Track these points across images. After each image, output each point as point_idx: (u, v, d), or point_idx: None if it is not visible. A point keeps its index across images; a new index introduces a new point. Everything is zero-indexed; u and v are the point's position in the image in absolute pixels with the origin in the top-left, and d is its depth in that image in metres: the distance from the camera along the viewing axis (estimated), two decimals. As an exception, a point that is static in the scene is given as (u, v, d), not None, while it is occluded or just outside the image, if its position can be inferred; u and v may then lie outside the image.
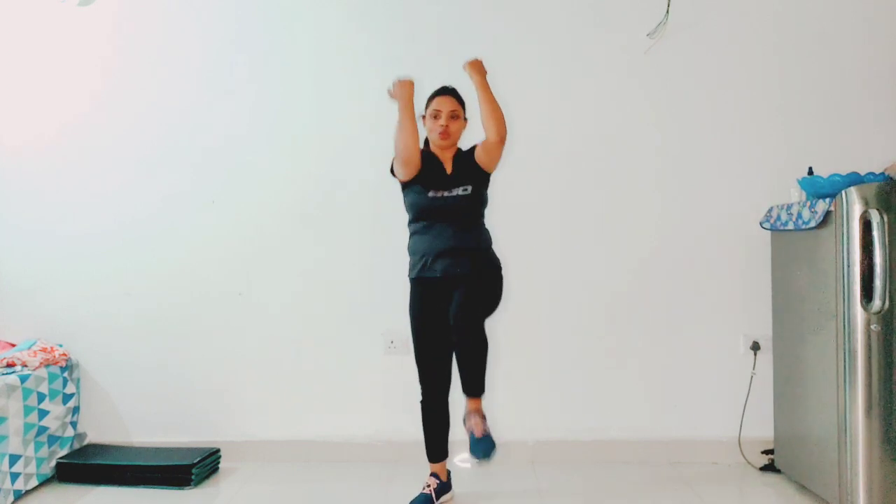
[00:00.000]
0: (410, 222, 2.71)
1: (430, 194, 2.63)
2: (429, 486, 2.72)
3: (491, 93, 2.60)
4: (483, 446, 2.52)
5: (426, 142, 2.76)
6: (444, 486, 2.77)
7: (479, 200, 2.68)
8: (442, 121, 2.63)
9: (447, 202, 2.62)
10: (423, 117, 2.71)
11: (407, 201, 2.69)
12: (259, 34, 3.35)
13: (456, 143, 2.72)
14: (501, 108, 2.60)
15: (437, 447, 2.75)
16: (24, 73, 3.40)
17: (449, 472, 2.82)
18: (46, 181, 3.38)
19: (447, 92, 2.67)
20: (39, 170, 3.39)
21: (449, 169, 2.68)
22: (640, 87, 3.25)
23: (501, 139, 2.59)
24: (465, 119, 2.72)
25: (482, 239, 2.69)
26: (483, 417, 2.59)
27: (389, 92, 2.67)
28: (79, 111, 3.38)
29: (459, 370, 2.60)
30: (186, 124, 3.35)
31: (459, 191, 2.63)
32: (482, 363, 2.59)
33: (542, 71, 3.27)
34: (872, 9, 3.20)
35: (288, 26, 3.34)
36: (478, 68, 2.64)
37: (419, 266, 2.65)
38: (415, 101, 2.64)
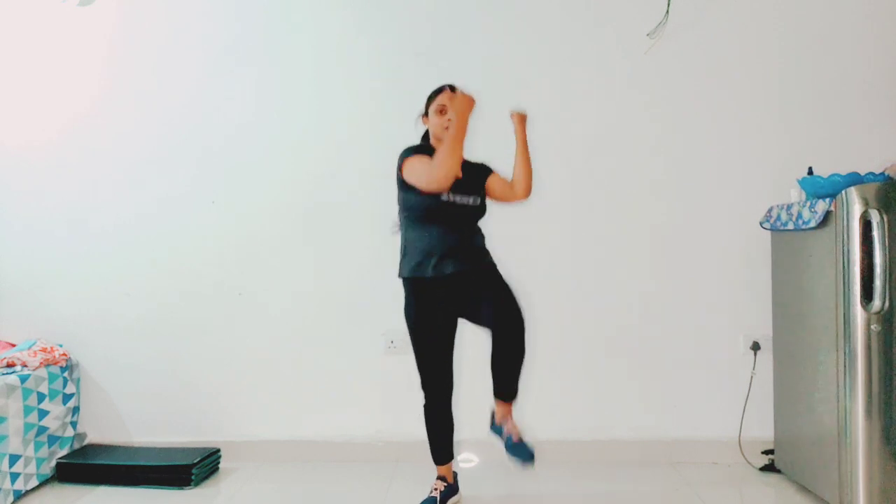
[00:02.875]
0: (408, 220, 2.64)
1: (443, 198, 2.56)
2: (436, 489, 2.70)
3: (528, 150, 2.69)
4: (527, 450, 2.53)
5: (425, 136, 2.74)
6: (451, 489, 2.75)
7: (483, 211, 2.71)
8: (449, 115, 2.56)
9: (457, 209, 2.58)
10: (424, 116, 2.70)
11: (410, 200, 2.59)
12: (259, 35, 3.35)
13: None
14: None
15: (442, 450, 2.73)
16: (25, 73, 3.40)
17: (455, 475, 2.81)
18: (46, 181, 3.39)
19: (451, 88, 2.64)
20: (39, 170, 3.39)
21: (459, 173, 2.58)
22: (640, 88, 3.25)
23: (527, 198, 2.70)
24: None
25: (481, 239, 2.71)
26: (515, 423, 2.65)
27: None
28: (79, 111, 3.38)
29: (494, 373, 2.58)
30: (187, 124, 3.36)
31: (470, 200, 2.62)
32: (520, 366, 2.59)
33: (541, 71, 3.27)
34: (872, 9, 3.20)
35: (288, 28, 3.35)
36: (524, 121, 2.71)
37: (418, 265, 2.56)
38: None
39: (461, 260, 2.57)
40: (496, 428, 2.66)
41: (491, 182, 2.73)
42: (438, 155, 2.43)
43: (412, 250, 2.61)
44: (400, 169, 2.58)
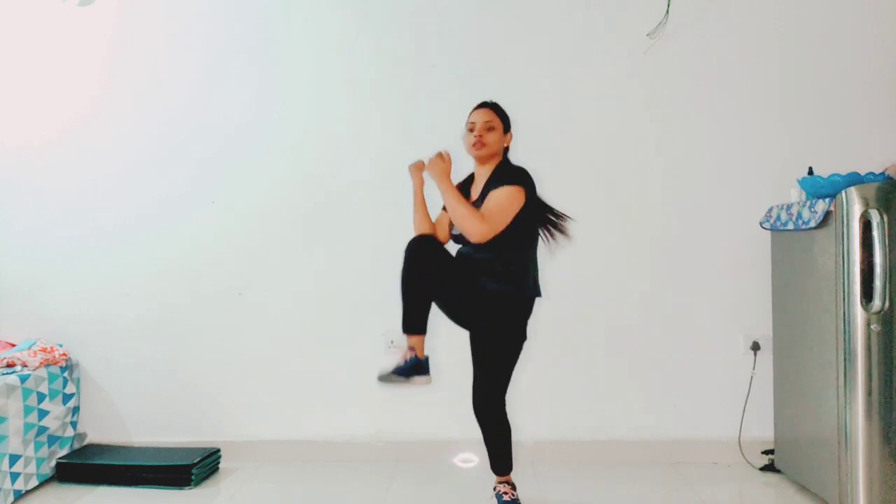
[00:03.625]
0: None
1: (454, 230, 2.65)
2: (404, 358, 2.55)
3: (449, 196, 2.50)
4: None
5: None
6: (420, 364, 2.56)
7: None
8: (476, 132, 2.58)
9: (461, 238, 2.60)
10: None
11: None
12: (259, 34, 3.35)
13: (495, 154, 2.61)
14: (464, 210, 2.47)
15: (413, 315, 2.51)
16: (25, 73, 3.40)
17: (427, 358, 2.58)
18: (46, 181, 3.39)
19: (484, 105, 2.64)
20: (39, 170, 3.39)
21: (475, 194, 2.62)
22: (640, 87, 3.25)
23: (481, 239, 2.46)
24: (508, 132, 2.63)
25: (505, 261, 2.53)
26: (513, 487, 2.66)
27: (412, 168, 2.71)
28: (79, 111, 3.38)
29: (486, 447, 2.65)
30: (186, 124, 3.36)
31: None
32: (506, 446, 2.64)
33: (541, 71, 3.27)
34: (872, 9, 3.20)
35: (288, 28, 3.35)
36: (430, 170, 2.60)
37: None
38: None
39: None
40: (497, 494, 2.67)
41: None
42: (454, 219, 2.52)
43: None
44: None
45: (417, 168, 2.71)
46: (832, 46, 3.20)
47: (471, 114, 2.65)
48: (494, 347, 2.57)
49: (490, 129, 2.58)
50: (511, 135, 2.67)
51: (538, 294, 2.61)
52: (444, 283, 2.52)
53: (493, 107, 2.64)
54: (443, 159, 2.59)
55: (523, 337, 2.58)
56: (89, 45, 3.39)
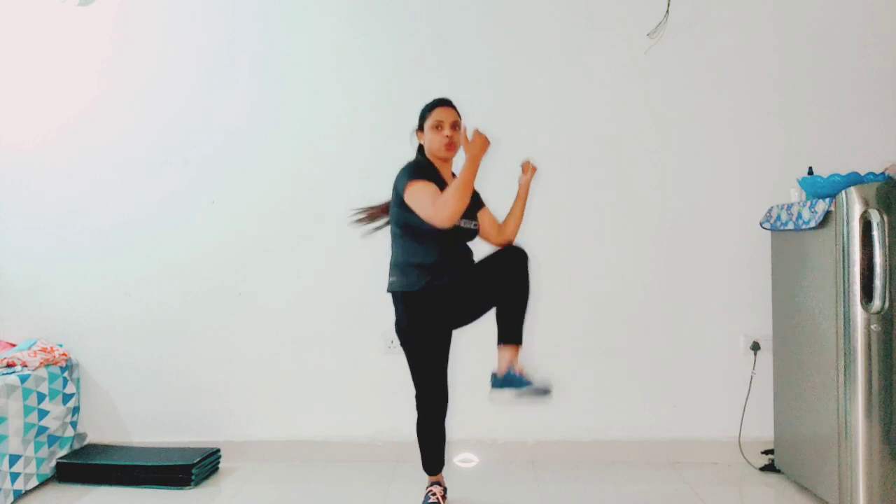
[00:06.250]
0: (403, 236, 2.57)
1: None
2: (434, 493, 2.66)
3: (470, 179, 2.42)
4: (524, 381, 2.50)
5: (419, 149, 2.68)
6: (445, 492, 2.73)
7: (477, 234, 2.71)
8: (446, 131, 2.54)
9: (460, 232, 2.58)
10: (419, 131, 2.64)
11: (411, 219, 2.50)
12: (258, 35, 3.35)
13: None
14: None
15: (437, 459, 2.70)
16: (25, 73, 3.40)
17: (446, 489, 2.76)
18: (46, 181, 3.39)
19: (446, 103, 2.59)
20: (39, 170, 3.39)
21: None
22: (640, 88, 3.25)
23: (511, 244, 2.68)
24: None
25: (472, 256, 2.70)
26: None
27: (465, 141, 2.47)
28: (79, 111, 3.38)
29: (501, 319, 2.53)
30: (186, 124, 3.36)
31: (472, 225, 2.63)
32: (525, 307, 2.53)
33: (541, 71, 3.27)
34: (872, 9, 3.20)
35: (287, 28, 3.35)
36: (534, 173, 2.71)
37: (424, 279, 2.50)
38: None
39: (458, 271, 2.55)
40: (500, 381, 2.54)
41: (482, 216, 2.74)
42: (447, 195, 2.38)
43: (409, 266, 2.55)
44: (403, 189, 2.49)
45: (485, 141, 2.44)
46: (832, 46, 3.20)
47: (431, 110, 2.59)
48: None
49: (456, 128, 2.57)
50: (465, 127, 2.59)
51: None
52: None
53: (453, 105, 2.62)
54: (487, 141, 2.44)
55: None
56: (89, 45, 3.39)
